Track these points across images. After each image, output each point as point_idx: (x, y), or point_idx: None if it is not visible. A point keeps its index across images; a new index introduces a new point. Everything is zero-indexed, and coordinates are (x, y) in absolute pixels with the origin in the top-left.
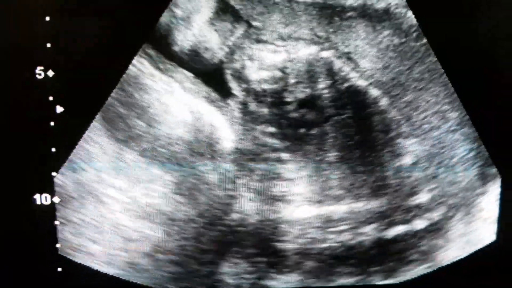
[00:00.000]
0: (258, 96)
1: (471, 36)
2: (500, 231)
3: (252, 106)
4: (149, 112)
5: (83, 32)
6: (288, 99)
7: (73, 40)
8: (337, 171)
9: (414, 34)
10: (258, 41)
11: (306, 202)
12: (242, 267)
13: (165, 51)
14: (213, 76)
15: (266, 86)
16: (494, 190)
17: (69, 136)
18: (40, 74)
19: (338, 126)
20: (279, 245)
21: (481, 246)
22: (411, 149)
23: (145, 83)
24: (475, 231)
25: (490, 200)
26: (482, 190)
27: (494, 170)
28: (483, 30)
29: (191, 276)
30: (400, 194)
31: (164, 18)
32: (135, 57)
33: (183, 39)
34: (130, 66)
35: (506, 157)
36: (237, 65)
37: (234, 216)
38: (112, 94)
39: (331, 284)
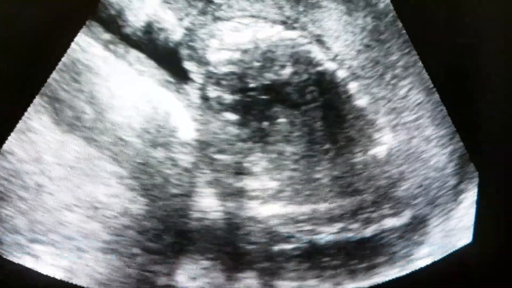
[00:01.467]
0: (219, 80)
1: (450, 24)
2: (476, 233)
3: (212, 91)
4: (97, 98)
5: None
6: (252, 85)
7: (5, 10)
8: (306, 164)
9: (390, 17)
10: (219, 19)
11: (272, 199)
12: (199, 268)
13: (115, 30)
14: (169, 58)
15: (227, 69)
16: (470, 188)
17: (2, 123)
18: None
19: (307, 115)
20: (241, 244)
21: (456, 248)
22: (385, 142)
23: (91, 65)
24: (450, 232)
25: (466, 200)
26: (458, 189)
27: (471, 167)
28: (464, 17)
29: (142, 276)
30: (373, 190)
31: None
32: (79, 34)
33: (135, 19)
34: (74, 45)
35: (484, 153)
36: (195, 46)
37: (192, 213)
38: (53, 76)
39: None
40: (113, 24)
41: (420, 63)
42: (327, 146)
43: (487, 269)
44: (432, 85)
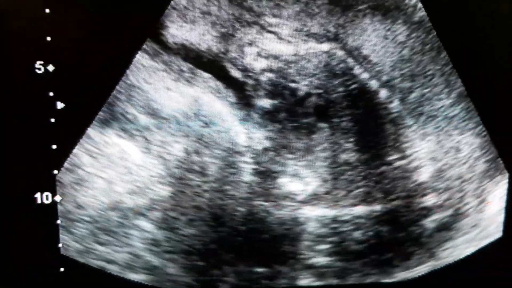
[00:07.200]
0: (264, 89)
1: (484, 32)
2: (506, 228)
3: (258, 98)
4: (155, 108)
5: (84, 24)
6: (298, 95)
7: (74, 33)
8: (347, 171)
9: (426, 27)
10: (266, 32)
11: (315, 202)
12: (247, 267)
13: (166, 45)
14: (216, 68)
15: (273, 79)
16: (501, 186)
17: (70, 132)
18: (40, 69)
19: (347, 125)
20: (288, 244)
21: (487, 243)
22: (420, 149)
23: (149, 78)
24: (481, 228)
25: (497, 196)
26: (489, 186)
27: (502, 165)
28: (499, 26)
29: (194, 274)
30: (410, 194)
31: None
32: (138, 51)
33: (183, 32)
34: (133, 61)
35: None
36: (241, 55)
37: (239, 213)
38: (115, 89)
39: (340, 283)
40: (163, 38)
41: (452, 70)
42: (366, 154)
43: None
44: (465, 92)
